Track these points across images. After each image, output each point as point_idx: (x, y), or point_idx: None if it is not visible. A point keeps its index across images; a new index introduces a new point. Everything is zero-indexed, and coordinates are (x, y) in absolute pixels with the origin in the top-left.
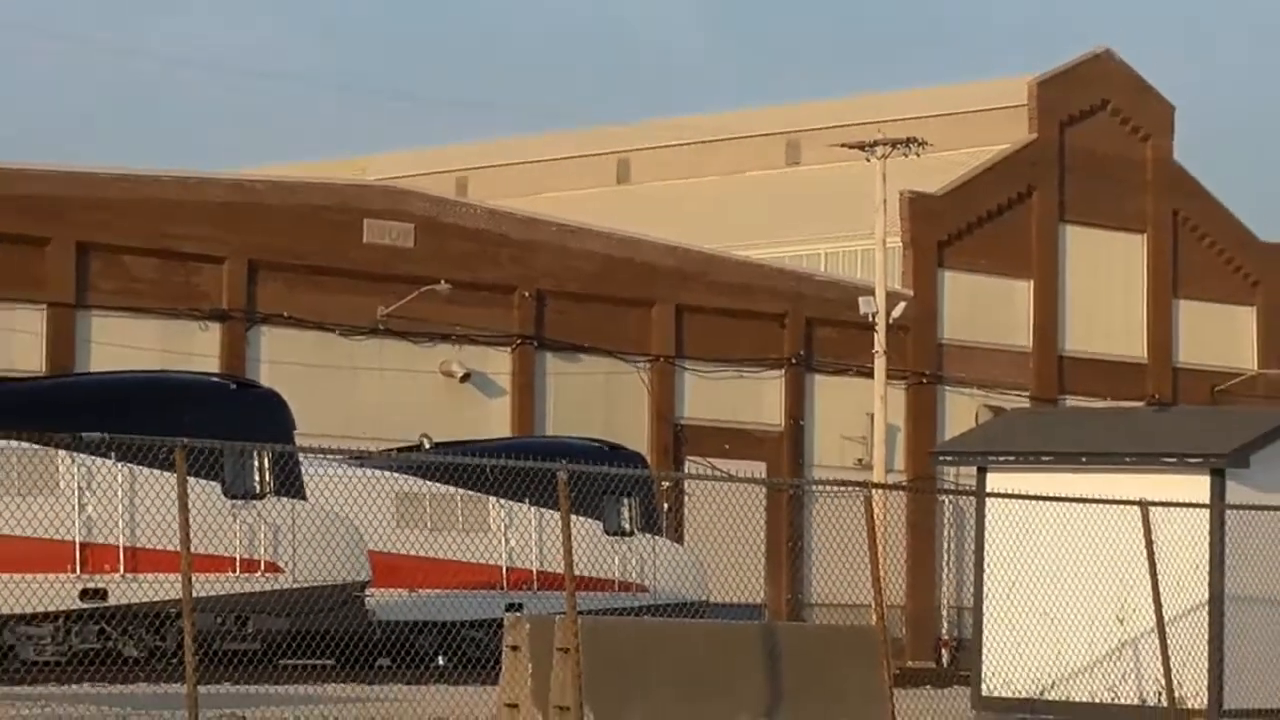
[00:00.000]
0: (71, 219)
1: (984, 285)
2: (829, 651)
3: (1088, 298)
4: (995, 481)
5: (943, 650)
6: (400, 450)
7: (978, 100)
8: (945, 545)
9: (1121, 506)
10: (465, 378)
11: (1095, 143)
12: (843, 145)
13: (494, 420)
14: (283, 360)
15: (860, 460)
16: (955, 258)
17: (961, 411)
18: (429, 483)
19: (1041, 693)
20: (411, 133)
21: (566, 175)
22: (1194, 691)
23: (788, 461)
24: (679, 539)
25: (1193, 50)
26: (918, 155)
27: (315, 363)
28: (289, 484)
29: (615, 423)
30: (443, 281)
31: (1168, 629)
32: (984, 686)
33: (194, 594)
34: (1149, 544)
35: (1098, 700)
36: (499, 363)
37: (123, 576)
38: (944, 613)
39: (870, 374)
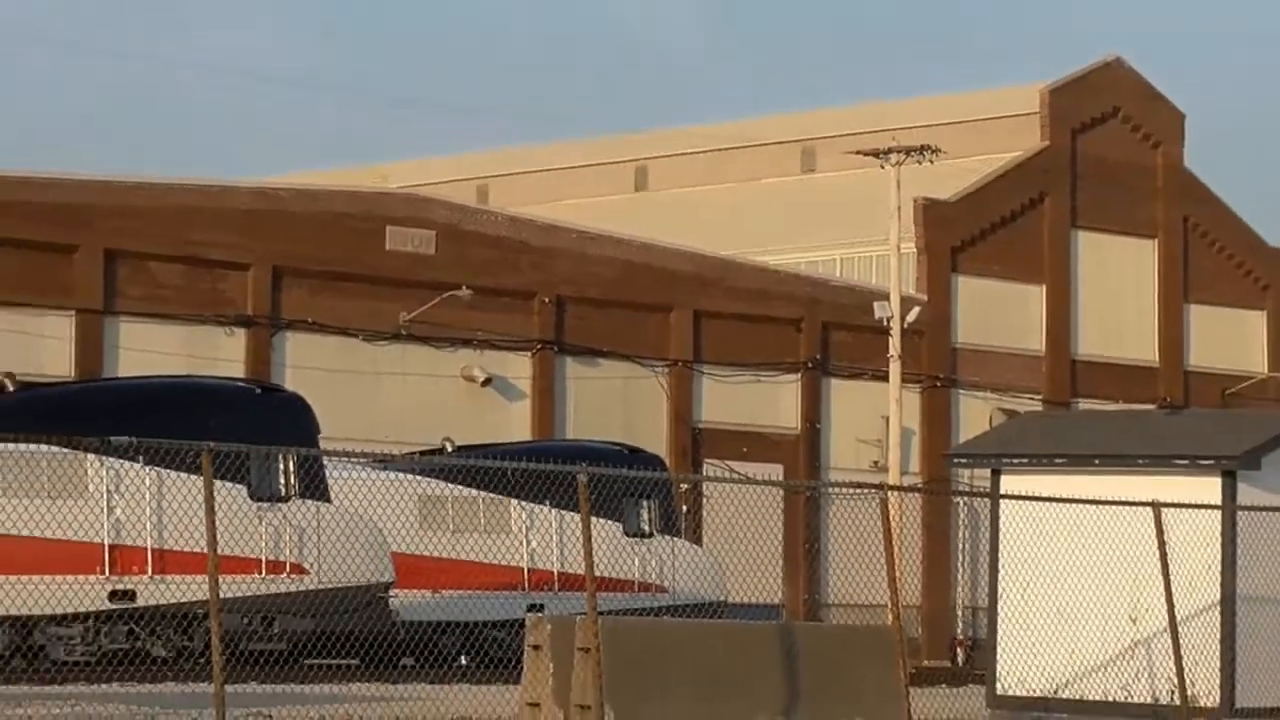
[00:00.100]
0: (99, 227)
1: (997, 290)
2: (846, 651)
3: (1100, 302)
4: (1009, 483)
5: (958, 650)
6: (423, 453)
7: (990, 108)
8: (960, 546)
9: (1134, 508)
10: (486, 382)
11: (1106, 150)
12: (857, 153)
13: (515, 424)
14: (307, 365)
15: (876, 463)
16: (969, 263)
17: (975, 414)
18: (451, 485)
19: (1055, 691)
20: (418, 137)
21: (585, 183)
22: (1206, 690)
23: (804, 464)
24: (697, 540)
25: (1202, 58)
26: (931, 162)
27: (339, 367)
28: (314, 487)
29: (634, 426)
30: (464, 287)
31: (1180, 628)
32: (998, 685)
33: (221, 595)
34: (1161, 545)
35: (1111, 699)
36: (520, 367)
37: (151, 578)
38: (959, 613)
39: (885, 378)
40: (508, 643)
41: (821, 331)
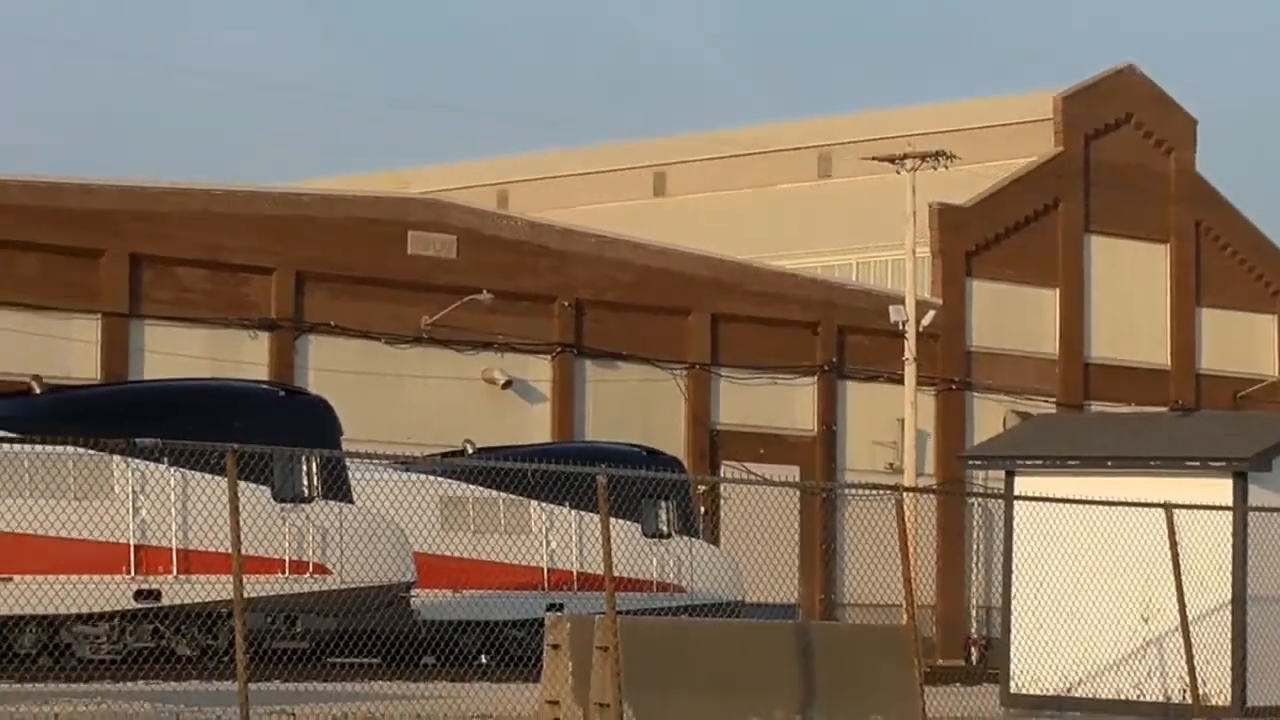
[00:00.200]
0: (125, 231)
1: (1011, 294)
2: (861, 650)
3: (1113, 306)
4: (1023, 485)
5: (972, 649)
6: (444, 455)
7: (1004, 114)
8: (974, 547)
9: (1146, 509)
10: (507, 385)
11: (1119, 155)
12: (873, 158)
13: (535, 426)
14: (329, 368)
15: (891, 464)
16: (983, 267)
17: (989, 417)
18: (472, 486)
19: (1068, 690)
20: (428, 142)
21: (604, 188)
22: (1217, 689)
23: (820, 466)
24: (715, 541)
25: (1213, 63)
26: (946, 168)
27: (361, 370)
28: (336, 488)
29: (652, 428)
30: (484, 291)
31: (1191, 628)
32: (1012, 684)
33: (244, 595)
34: (1173, 545)
35: (1123, 697)
36: (539, 370)
37: (176, 578)
38: (973, 612)
39: (900, 381)
40: (527, 642)
41: (837, 335)
